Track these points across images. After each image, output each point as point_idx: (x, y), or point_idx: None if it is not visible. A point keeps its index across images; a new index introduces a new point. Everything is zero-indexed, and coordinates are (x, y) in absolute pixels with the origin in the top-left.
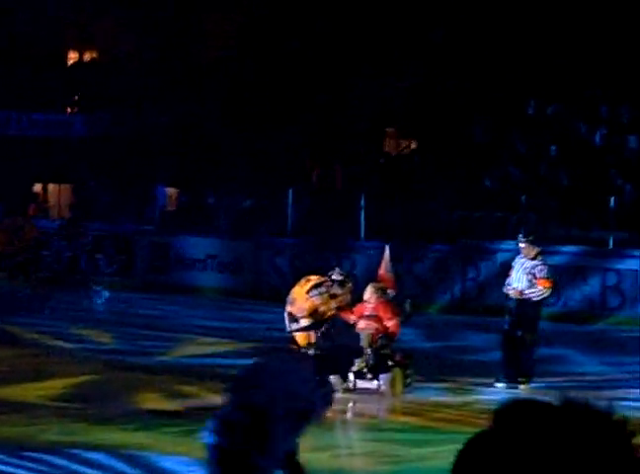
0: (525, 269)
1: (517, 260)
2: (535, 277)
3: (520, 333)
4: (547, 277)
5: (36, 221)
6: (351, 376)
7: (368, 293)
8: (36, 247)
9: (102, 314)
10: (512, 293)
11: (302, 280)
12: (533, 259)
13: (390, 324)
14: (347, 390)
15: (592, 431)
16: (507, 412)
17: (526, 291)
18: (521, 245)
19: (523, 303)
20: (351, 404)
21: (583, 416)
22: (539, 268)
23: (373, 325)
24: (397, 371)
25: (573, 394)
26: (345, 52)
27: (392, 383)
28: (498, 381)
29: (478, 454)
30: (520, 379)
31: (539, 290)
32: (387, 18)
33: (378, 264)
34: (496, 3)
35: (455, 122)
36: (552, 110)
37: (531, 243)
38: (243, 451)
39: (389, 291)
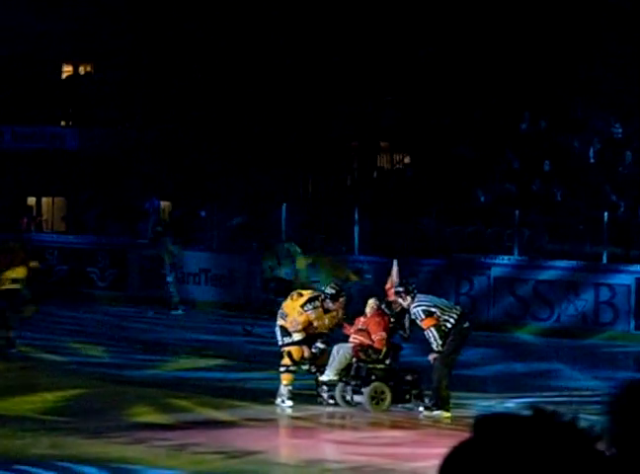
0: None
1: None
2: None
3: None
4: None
5: (30, 235)
6: (348, 390)
7: (368, 307)
8: None
9: (94, 328)
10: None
11: (294, 295)
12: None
13: (376, 339)
14: (337, 404)
15: (559, 439)
16: (484, 423)
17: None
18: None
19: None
20: (343, 418)
21: (551, 426)
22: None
23: (359, 338)
24: (379, 386)
25: (563, 409)
26: (337, 67)
27: (372, 397)
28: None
29: (461, 461)
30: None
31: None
32: (379, 34)
33: (386, 278)
34: (488, 19)
35: (448, 138)
36: (545, 125)
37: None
38: None
39: (394, 306)
